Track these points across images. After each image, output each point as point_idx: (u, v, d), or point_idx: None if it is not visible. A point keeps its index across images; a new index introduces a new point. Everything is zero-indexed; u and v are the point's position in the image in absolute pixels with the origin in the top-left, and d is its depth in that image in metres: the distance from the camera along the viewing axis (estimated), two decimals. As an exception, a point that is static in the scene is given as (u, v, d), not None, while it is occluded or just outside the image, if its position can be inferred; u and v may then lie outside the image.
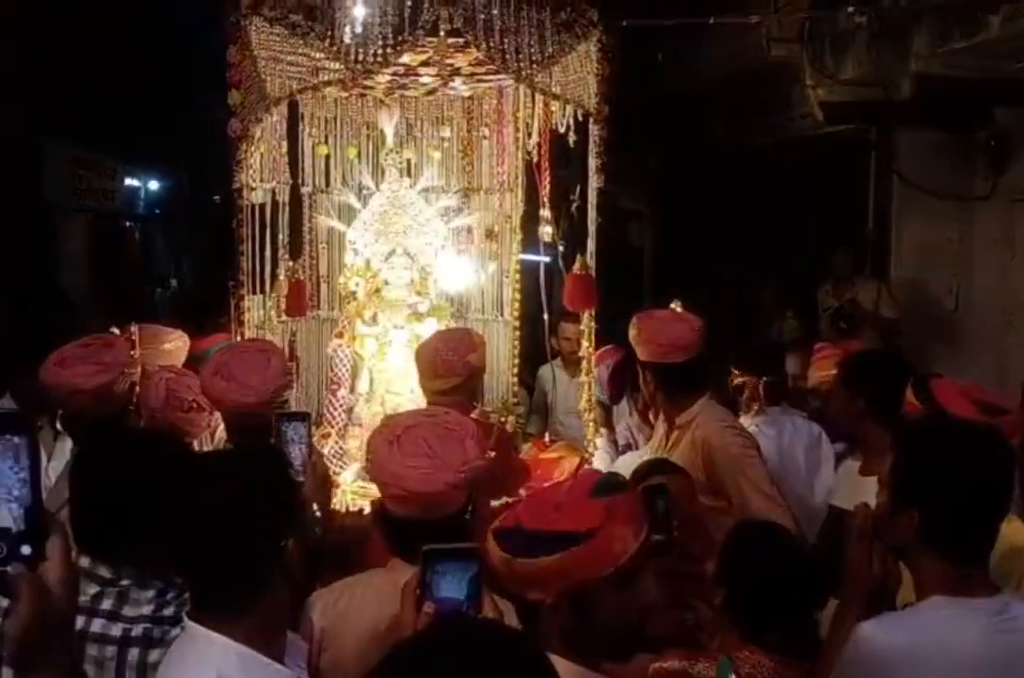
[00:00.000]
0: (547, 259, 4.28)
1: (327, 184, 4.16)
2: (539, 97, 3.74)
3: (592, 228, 3.35)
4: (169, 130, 10.02)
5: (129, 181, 10.97)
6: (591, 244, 3.39)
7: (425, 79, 3.74)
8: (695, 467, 2.84)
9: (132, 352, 2.99)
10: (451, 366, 3.02)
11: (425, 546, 1.50)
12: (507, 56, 2.89)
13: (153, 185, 11.94)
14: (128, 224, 11.32)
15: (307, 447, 2.36)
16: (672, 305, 3.29)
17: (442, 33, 2.82)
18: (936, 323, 6.09)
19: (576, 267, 3.38)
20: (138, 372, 2.85)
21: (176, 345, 3.75)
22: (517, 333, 4.33)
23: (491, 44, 2.86)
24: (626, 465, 3.37)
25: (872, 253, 6.59)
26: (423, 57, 3.40)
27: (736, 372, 3.70)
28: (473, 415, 2.82)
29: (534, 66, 2.94)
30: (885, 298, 5.90)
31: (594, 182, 3.35)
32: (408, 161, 4.13)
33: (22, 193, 7.73)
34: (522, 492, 3.17)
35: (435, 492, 1.91)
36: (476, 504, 2.09)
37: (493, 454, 3.44)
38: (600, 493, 1.65)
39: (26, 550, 1.07)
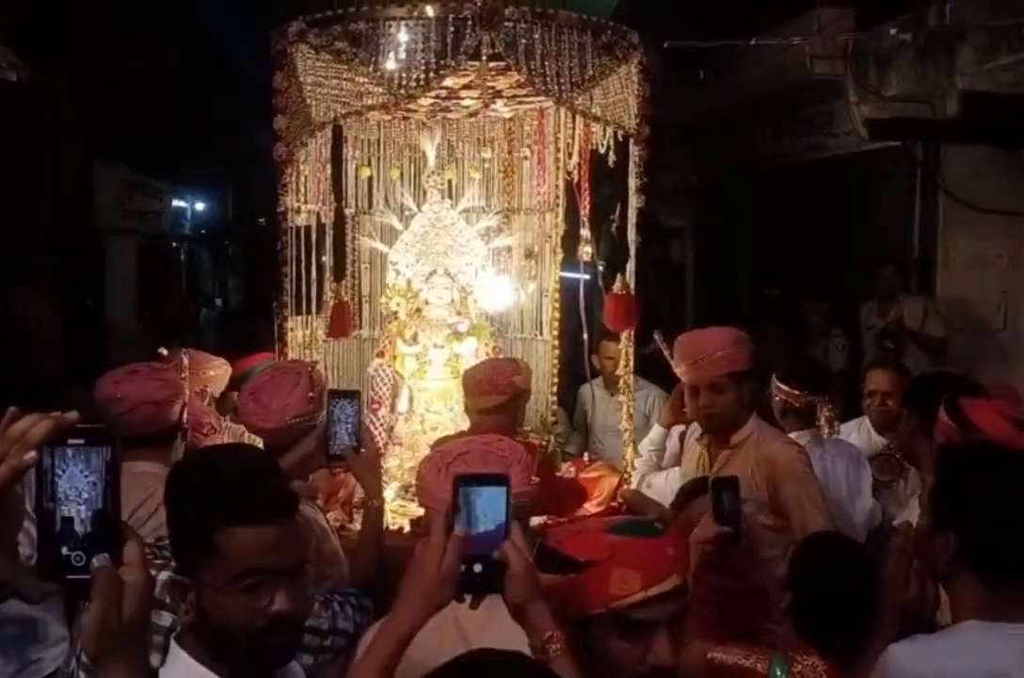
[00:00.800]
0: (587, 277, 4.29)
1: (370, 206, 4.21)
2: (580, 118, 3.77)
3: (632, 248, 3.34)
4: (216, 152, 10.20)
5: (176, 202, 11.17)
6: (631, 264, 3.39)
7: (467, 102, 3.79)
8: (756, 486, 2.80)
9: (182, 375, 3.04)
10: (496, 384, 3.10)
11: (456, 473, 1.57)
12: (548, 79, 2.92)
13: (199, 206, 12.15)
14: (175, 245, 11.52)
15: (354, 426, 2.31)
16: (656, 336, 3.28)
17: (484, 58, 2.84)
18: (984, 341, 5.98)
19: (616, 287, 3.38)
20: (188, 395, 2.89)
21: (218, 372, 3.82)
22: (556, 352, 4.34)
23: (532, 68, 2.89)
24: (658, 486, 3.37)
25: (918, 270, 6.51)
26: (465, 80, 3.44)
27: (784, 388, 3.64)
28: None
29: (575, 89, 2.96)
30: (932, 316, 5.81)
31: (634, 202, 3.35)
32: (449, 182, 4.17)
33: (74, 216, 7.91)
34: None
35: None
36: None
37: (537, 479, 3.46)
38: (616, 531, 1.61)
39: (103, 558, 1.15)
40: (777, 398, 3.59)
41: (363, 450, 2.37)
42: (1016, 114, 5.13)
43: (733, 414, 2.90)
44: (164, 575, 1.66)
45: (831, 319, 6.76)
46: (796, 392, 3.53)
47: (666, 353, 3.01)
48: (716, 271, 9.14)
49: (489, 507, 1.48)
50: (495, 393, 3.09)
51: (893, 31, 5.32)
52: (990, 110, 5.07)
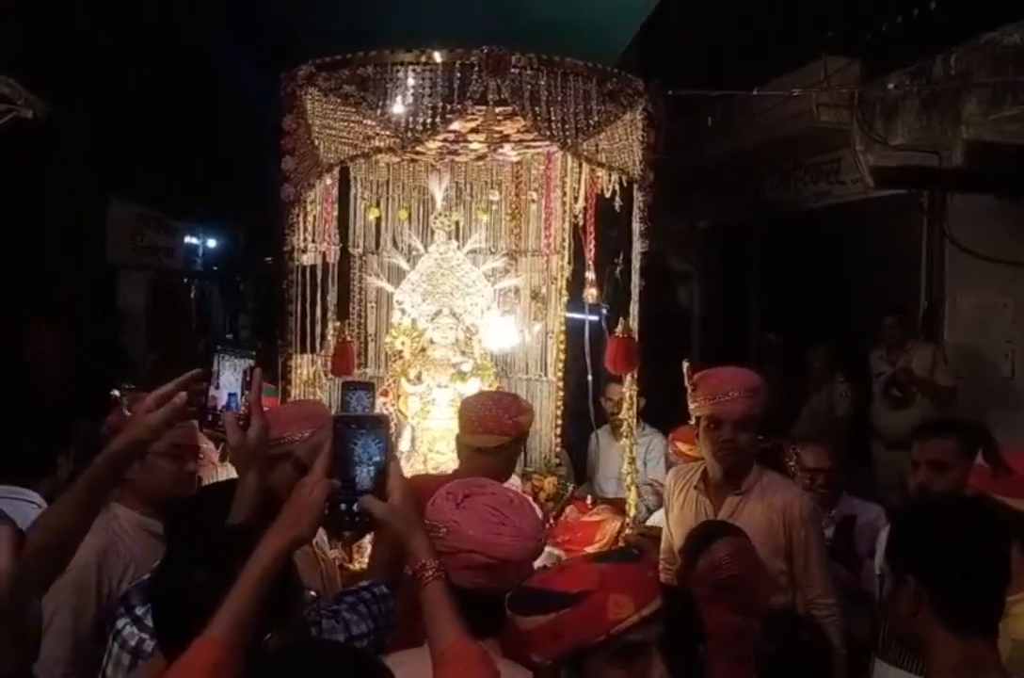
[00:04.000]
0: (594, 318, 4.30)
1: (377, 246, 4.25)
2: (585, 164, 3.82)
3: (635, 292, 3.36)
4: (229, 190, 10.32)
5: (188, 239, 11.28)
6: (634, 307, 3.40)
7: (474, 145, 3.84)
8: (773, 532, 2.77)
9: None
10: (501, 423, 2.88)
11: (336, 415, 1.69)
12: (553, 125, 2.96)
13: (211, 243, 12.26)
14: (186, 280, 11.61)
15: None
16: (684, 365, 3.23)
17: (490, 103, 2.88)
18: (991, 390, 5.95)
19: (619, 330, 3.39)
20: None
21: None
22: (560, 394, 4.34)
23: (537, 113, 2.93)
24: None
25: (925, 319, 6.50)
26: (473, 124, 3.49)
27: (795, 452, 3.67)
28: (508, 484, 2.71)
29: (579, 135, 3.00)
30: (940, 365, 5.78)
31: (638, 246, 3.37)
32: (457, 224, 4.21)
33: (86, 252, 7.99)
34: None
35: (518, 561, 1.85)
36: None
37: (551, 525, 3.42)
38: (601, 560, 1.65)
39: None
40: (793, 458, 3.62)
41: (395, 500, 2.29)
42: (1021, 164, 5.17)
43: (750, 455, 2.89)
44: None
45: (835, 366, 6.74)
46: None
47: (688, 385, 2.97)
48: (723, 316, 9.15)
49: (368, 449, 1.55)
50: (498, 433, 2.87)
51: (898, 82, 5.38)
52: (995, 160, 5.10)
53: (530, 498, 3.52)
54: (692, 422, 3.04)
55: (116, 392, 3.54)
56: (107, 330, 8.30)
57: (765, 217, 8.19)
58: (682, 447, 4.02)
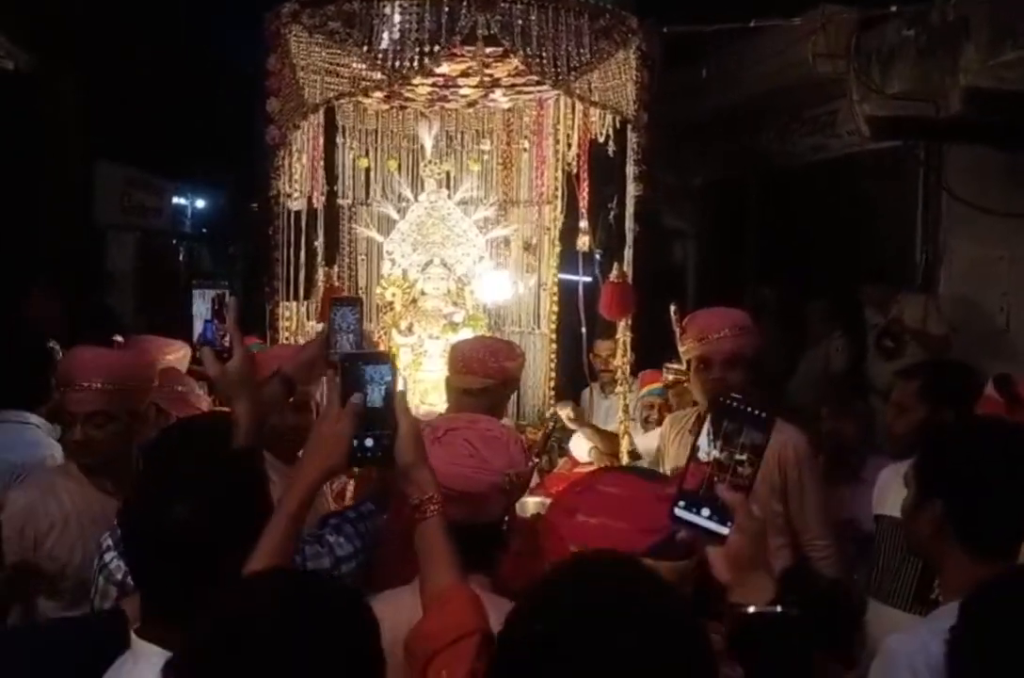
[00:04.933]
0: (588, 279, 4.26)
1: (367, 196, 4.18)
2: (579, 108, 3.74)
3: (630, 236, 3.30)
4: (220, 150, 10.19)
5: (176, 200, 11.14)
6: (628, 252, 3.34)
7: (465, 90, 3.76)
8: (768, 473, 2.69)
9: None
10: (486, 366, 2.89)
11: (342, 354, 1.73)
12: (544, 62, 2.88)
13: (200, 204, 12.12)
14: (174, 242, 11.50)
15: (356, 335, 2.05)
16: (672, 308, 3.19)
17: (480, 40, 2.80)
18: (987, 341, 5.91)
19: (613, 275, 3.33)
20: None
21: (178, 355, 3.77)
22: (554, 346, 4.30)
23: (528, 51, 2.85)
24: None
25: (923, 270, 6.46)
26: (463, 67, 3.41)
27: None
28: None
29: (572, 73, 2.92)
30: (932, 314, 5.73)
31: (632, 190, 3.31)
32: (447, 173, 4.14)
33: (74, 212, 7.90)
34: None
35: (477, 493, 1.84)
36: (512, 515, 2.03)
37: (536, 461, 3.40)
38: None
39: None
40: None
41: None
42: (1020, 113, 5.09)
43: (741, 392, 2.85)
44: None
45: (833, 320, 6.69)
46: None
47: (676, 328, 2.95)
48: (719, 273, 9.09)
49: (376, 384, 1.56)
50: (482, 374, 2.88)
51: (895, 29, 5.27)
52: (993, 108, 5.02)
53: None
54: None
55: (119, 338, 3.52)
56: (94, 292, 8.22)
57: (761, 171, 8.09)
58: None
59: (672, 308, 2.94)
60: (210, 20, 8.50)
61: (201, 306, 2.45)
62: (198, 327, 2.13)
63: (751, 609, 1.25)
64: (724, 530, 1.27)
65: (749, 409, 1.30)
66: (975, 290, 6.11)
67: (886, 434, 2.91)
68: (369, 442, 1.54)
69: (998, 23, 4.64)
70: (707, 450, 1.29)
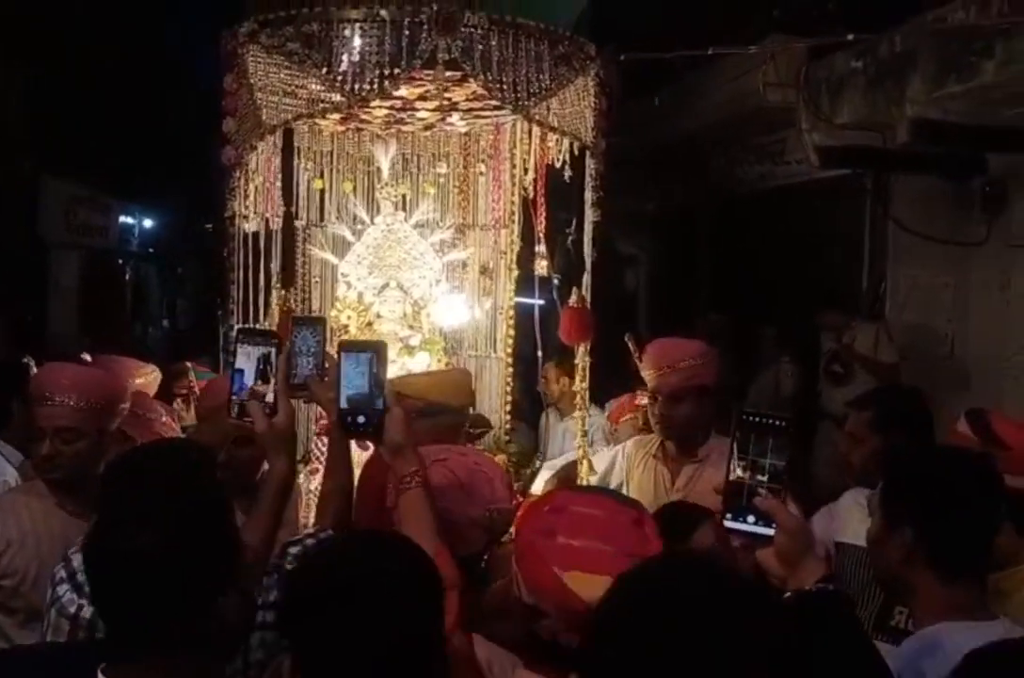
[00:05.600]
0: (542, 302, 4.25)
1: (321, 218, 4.13)
2: (536, 132, 3.74)
3: (588, 261, 3.30)
4: (170, 168, 10.05)
5: (123, 218, 10.96)
6: (587, 278, 3.34)
7: (423, 113, 3.73)
8: None
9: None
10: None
11: (339, 341, 2.08)
12: (504, 88, 2.87)
13: (148, 223, 11.93)
14: (120, 261, 11.29)
15: (318, 357, 1.94)
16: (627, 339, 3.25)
17: (440, 63, 2.79)
18: (933, 368, 6.03)
19: (572, 300, 3.32)
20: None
21: (148, 379, 3.70)
22: (510, 370, 4.28)
23: (488, 75, 2.84)
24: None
25: (868, 298, 6.57)
26: (421, 91, 3.39)
27: None
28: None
29: (532, 98, 2.92)
30: (884, 342, 5.83)
31: (590, 215, 3.31)
32: (403, 196, 4.11)
33: (17, 229, 7.73)
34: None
35: (454, 522, 1.84)
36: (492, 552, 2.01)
37: (521, 499, 3.36)
38: None
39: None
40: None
41: (327, 378, 1.99)
42: (965, 144, 5.23)
43: (690, 425, 2.86)
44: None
45: (782, 345, 6.78)
46: None
47: (635, 356, 2.98)
48: (670, 299, 9.17)
49: (360, 370, 1.78)
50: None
51: (845, 59, 5.39)
52: (939, 139, 5.15)
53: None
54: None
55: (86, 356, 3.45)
56: (36, 309, 8.04)
57: (711, 199, 8.21)
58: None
59: (627, 336, 2.97)
60: (164, 33, 8.38)
61: (245, 362, 2.38)
62: (237, 379, 2.07)
63: (806, 588, 1.41)
64: (770, 532, 1.45)
65: (767, 420, 1.48)
66: (921, 317, 6.23)
67: (843, 464, 2.92)
68: (361, 419, 1.77)
69: (944, 55, 4.77)
70: (738, 465, 1.48)
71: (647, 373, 2.93)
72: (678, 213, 8.84)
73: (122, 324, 10.97)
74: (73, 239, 8.95)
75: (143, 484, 1.42)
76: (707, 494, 2.70)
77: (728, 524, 1.48)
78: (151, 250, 12.05)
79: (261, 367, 1.87)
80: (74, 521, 2.38)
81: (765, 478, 1.46)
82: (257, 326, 1.96)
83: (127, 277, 11.44)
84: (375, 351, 1.81)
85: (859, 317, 6.19)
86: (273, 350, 1.87)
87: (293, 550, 1.87)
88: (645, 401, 3.82)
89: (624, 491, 3.01)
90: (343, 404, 1.79)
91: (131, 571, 1.36)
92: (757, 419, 1.48)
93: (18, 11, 6.55)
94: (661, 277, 9.55)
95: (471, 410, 3.37)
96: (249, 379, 1.87)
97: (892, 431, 2.79)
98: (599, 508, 1.55)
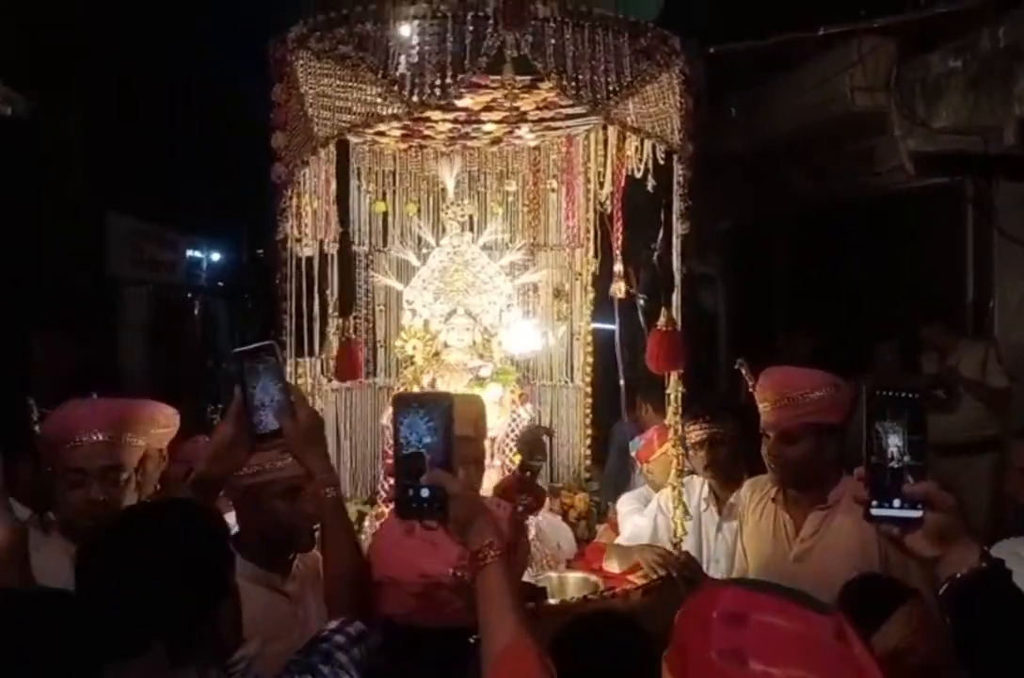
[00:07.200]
0: (612, 327, 3.95)
1: (385, 242, 3.89)
2: (612, 142, 3.45)
3: (678, 277, 2.95)
4: (233, 202, 10.01)
5: (191, 253, 10.97)
6: (676, 297, 2.99)
7: (489, 126, 3.48)
8: (866, 552, 2.38)
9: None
10: None
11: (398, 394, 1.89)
12: (581, 86, 2.57)
13: (215, 257, 11.94)
14: (189, 296, 11.30)
15: (281, 391, 1.74)
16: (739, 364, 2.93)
17: (508, 61, 2.50)
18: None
19: (661, 322, 2.97)
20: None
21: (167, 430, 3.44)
22: (589, 401, 3.96)
23: (563, 73, 2.54)
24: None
25: (973, 315, 6.08)
26: (486, 100, 3.13)
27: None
28: None
29: (611, 97, 2.61)
30: (993, 364, 5.33)
31: (679, 228, 2.97)
32: (471, 216, 3.84)
33: (85, 267, 7.72)
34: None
35: (424, 582, 1.81)
36: None
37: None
38: None
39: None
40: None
41: (299, 417, 1.77)
42: (1079, 143, 4.78)
43: (808, 469, 2.49)
44: None
45: (899, 364, 6.25)
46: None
47: (750, 384, 2.62)
48: (751, 319, 8.74)
49: (416, 429, 1.52)
50: None
51: (942, 58, 5.00)
52: (1051, 139, 4.72)
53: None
54: None
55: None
56: (108, 348, 8.00)
57: (795, 213, 7.79)
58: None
59: (739, 362, 2.62)
60: (217, 61, 8.33)
61: (253, 379, 2.16)
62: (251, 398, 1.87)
63: (963, 571, 1.32)
64: (918, 514, 1.38)
65: (901, 394, 1.41)
66: (1032, 334, 5.73)
67: (1012, 503, 2.52)
68: (425, 493, 1.50)
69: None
70: (874, 450, 1.40)
71: (761, 405, 2.57)
72: (758, 229, 8.44)
73: (193, 359, 10.92)
74: (141, 275, 8.95)
75: (141, 541, 1.49)
76: (838, 547, 2.36)
77: (875, 512, 1.40)
78: (220, 283, 12.06)
79: (270, 380, 1.76)
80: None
81: (907, 457, 1.40)
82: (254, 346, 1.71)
83: (196, 311, 11.44)
84: (440, 403, 1.55)
85: (964, 336, 5.68)
86: (275, 360, 1.76)
87: (323, 646, 1.67)
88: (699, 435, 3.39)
89: (737, 544, 2.64)
90: (405, 479, 1.53)
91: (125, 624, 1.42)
92: (891, 394, 1.41)
93: (63, 43, 6.53)
94: (741, 298, 9.13)
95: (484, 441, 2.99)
96: (262, 393, 1.75)
97: None
98: (792, 619, 1.14)
